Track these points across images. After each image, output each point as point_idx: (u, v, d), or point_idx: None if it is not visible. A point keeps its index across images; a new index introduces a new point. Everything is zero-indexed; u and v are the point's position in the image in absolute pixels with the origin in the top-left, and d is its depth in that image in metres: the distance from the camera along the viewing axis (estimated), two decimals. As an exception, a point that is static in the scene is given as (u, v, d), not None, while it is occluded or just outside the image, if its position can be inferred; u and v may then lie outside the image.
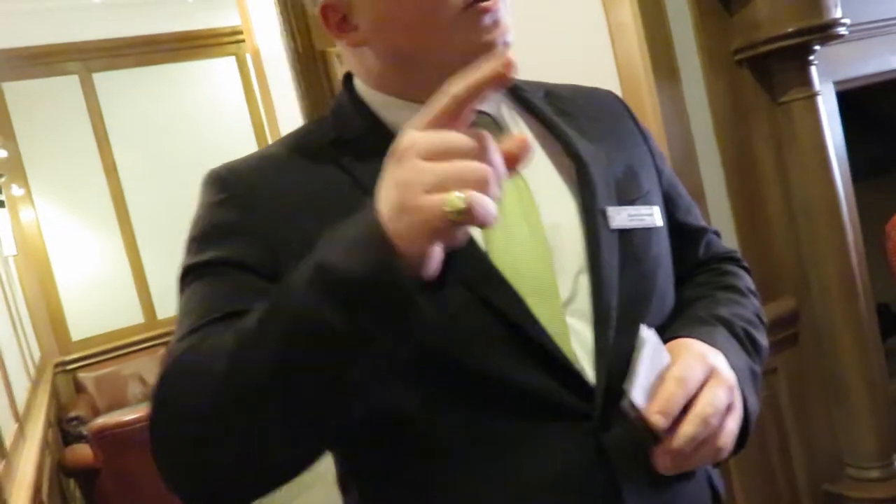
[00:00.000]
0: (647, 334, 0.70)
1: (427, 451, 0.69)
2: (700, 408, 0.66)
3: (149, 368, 5.04)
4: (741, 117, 1.69)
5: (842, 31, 1.61)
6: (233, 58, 5.65)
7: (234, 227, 0.73)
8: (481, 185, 0.52)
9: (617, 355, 0.72)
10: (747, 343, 0.80)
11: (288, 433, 0.60)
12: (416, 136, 0.54)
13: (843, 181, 1.71)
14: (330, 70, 2.07)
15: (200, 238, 0.75)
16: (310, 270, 0.57)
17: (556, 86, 0.90)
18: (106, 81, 5.26)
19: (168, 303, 5.31)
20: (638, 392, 0.64)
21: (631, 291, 0.75)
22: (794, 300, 1.74)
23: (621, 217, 0.77)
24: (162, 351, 5.18)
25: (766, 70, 1.68)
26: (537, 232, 0.74)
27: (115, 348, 5.13)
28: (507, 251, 0.72)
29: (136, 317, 5.28)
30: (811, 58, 1.64)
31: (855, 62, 1.85)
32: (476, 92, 0.54)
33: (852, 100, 1.93)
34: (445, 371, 0.68)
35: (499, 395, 0.68)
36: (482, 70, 0.53)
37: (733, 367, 0.73)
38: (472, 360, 0.68)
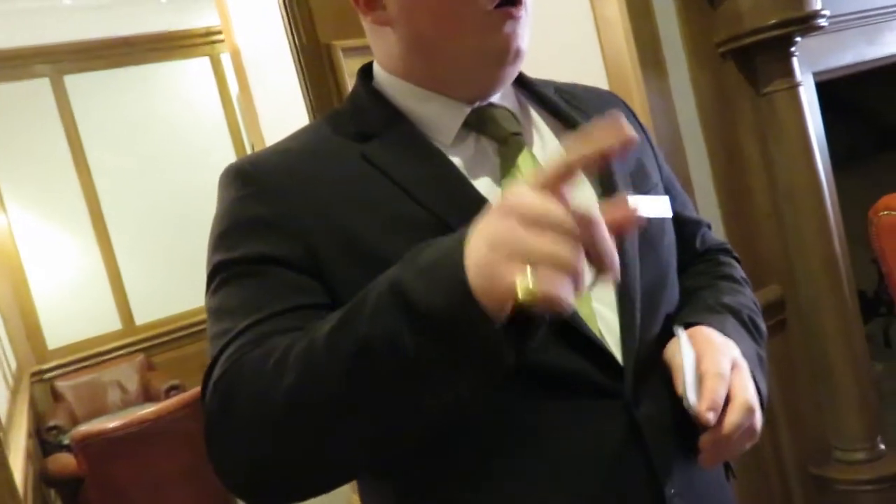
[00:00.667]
0: (683, 335, 0.73)
1: (467, 433, 0.70)
2: (741, 398, 0.70)
3: (128, 375, 4.98)
4: (726, 108, 1.72)
5: (822, 22, 1.64)
6: (207, 58, 5.60)
7: (264, 220, 0.73)
8: (565, 268, 0.51)
9: (642, 338, 0.75)
10: (753, 329, 0.84)
11: (354, 444, 0.62)
12: (522, 197, 0.53)
13: (824, 169, 1.75)
14: (335, 63, 2.05)
15: (230, 233, 0.75)
16: (388, 292, 0.57)
17: (562, 84, 0.93)
18: (77, 84, 5.18)
19: (146, 308, 5.25)
20: (691, 393, 0.69)
21: (650, 278, 0.78)
22: (780, 288, 1.77)
23: (640, 206, 0.79)
24: (141, 357, 5.11)
25: (749, 62, 1.70)
26: None
27: (93, 356, 5.05)
28: None
29: (113, 323, 5.21)
30: (792, 49, 1.67)
31: (833, 53, 1.89)
32: (592, 161, 0.53)
33: (828, 89, 1.97)
34: None
35: (537, 377, 0.70)
36: (600, 140, 0.53)
37: (744, 354, 0.76)
38: None
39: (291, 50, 1.97)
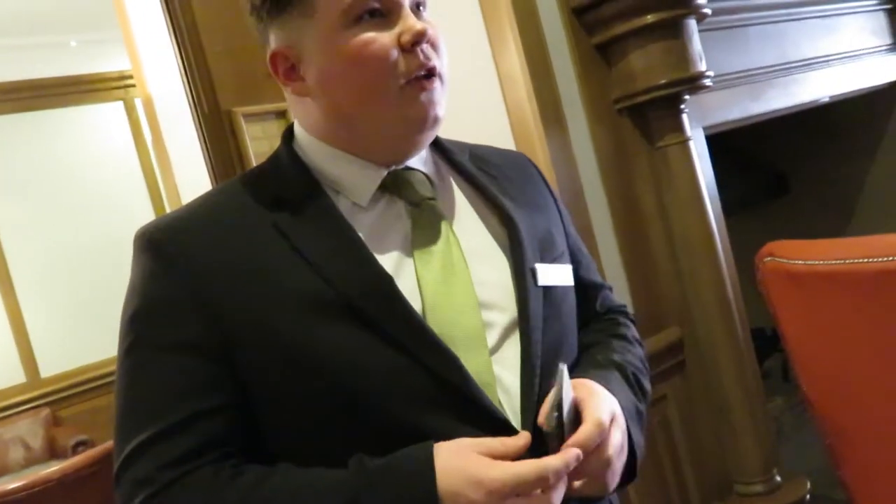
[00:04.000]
0: (564, 370, 0.77)
1: None
2: (607, 451, 0.76)
3: (33, 431, 4.71)
4: (623, 161, 1.82)
5: (707, 82, 1.77)
6: (120, 103, 5.48)
7: (176, 302, 0.74)
8: None
9: (540, 402, 0.78)
10: (636, 386, 0.90)
11: None
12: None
13: (715, 216, 1.87)
14: (236, 129, 2.08)
15: (143, 314, 0.76)
16: None
17: (476, 147, 0.97)
18: (-19, 129, 4.98)
19: (52, 360, 5.00)
20: (551, 417, 0.74)
21: (551, 343, 0.82)
22: (679, 329, 1.86)
23: (547, 275, 0.84)
24: (46, 412, 4.85)
25: (643, 118, 1.82)
26: (468, 288, 0.80)
27: (-6, 411, 4.78)
28: (440, 307, 0.77)
29: (16, 376, 4.94)
30: (682, 106, 1.79)
31: (721, 109, 2.03)
32: None
33: (723, 140, 2.11)
34: (385, 430, 0.73)
35: None
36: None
37: (623, 407, 0.81)
38: (410, 419, 0.73)
39: (193, 116, 1.99)
